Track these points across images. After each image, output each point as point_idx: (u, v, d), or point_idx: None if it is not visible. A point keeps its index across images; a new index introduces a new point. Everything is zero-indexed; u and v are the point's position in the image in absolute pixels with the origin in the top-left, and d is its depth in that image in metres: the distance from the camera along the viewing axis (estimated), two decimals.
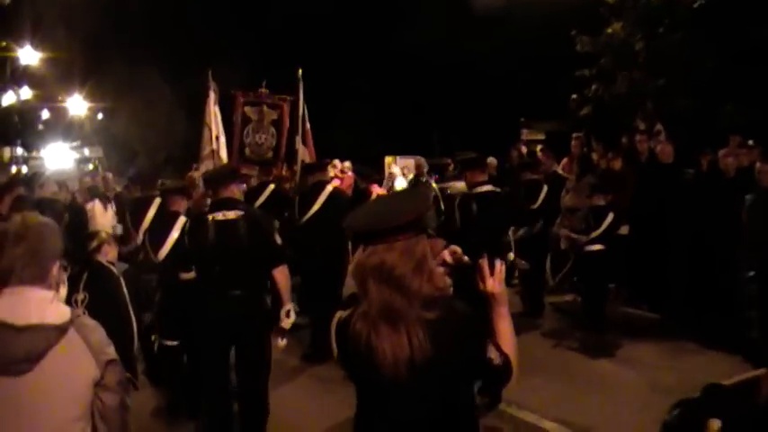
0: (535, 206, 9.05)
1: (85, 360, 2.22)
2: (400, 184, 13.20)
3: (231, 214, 5.08)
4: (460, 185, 7.78)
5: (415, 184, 8.55)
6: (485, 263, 2.53)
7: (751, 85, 11.54)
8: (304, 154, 10.17)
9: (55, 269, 2.36)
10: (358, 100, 26.72)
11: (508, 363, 2.45)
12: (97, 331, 2.32)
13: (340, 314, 2.47)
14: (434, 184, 10.93)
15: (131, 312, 4.93)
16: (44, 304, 2.22)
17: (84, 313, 2.63)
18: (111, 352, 2.32)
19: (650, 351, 7.41)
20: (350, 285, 7.78)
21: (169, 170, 10.18)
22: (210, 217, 5.09)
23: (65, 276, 2.56)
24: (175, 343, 5.96)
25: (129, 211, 7.56)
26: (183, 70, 24.20)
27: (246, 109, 10.06)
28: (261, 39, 29.10)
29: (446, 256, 2.88)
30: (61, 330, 2.19)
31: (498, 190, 6.76)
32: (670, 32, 13.22)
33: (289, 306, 5.26)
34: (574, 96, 15.28)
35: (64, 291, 2.51)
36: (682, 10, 12.87)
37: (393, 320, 2.29)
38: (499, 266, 2.53)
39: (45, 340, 2.15)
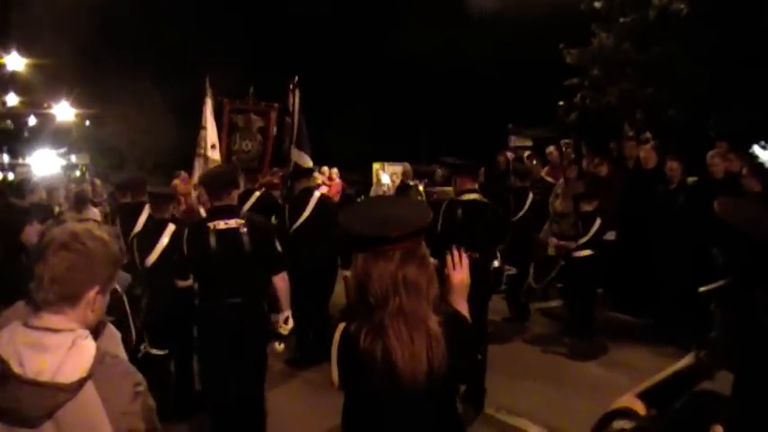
0: (521, 214, 9.10)
1: (99, 420, 2.00)
2: (385, 189, 13.24)
3: (232, 222, 4.99)
4: (448, 190, 7.72)
5: (403, 188, 8.55)
6: (456, 252, 2.62)
7: (745, 91, 11.50)
8: (299, 158, 9.62)
9: (92, 294, 2.08)
10: (347, 106, 26.74)
11: (482, 356, 2.50)
12: (121, 383, 2.08)
13: (342, 326, 2.39)
14: (421, 188, 10.96)
15: (131, 321, 4.86)
16: (61, 352, 1.96)
17: None
18: (132, 408, 2.07)
19: (639, 355, 7.43)
20: (338, 292, 7.74)
21: (158, 176, 10.08)
22: (211, 225, 4.98)
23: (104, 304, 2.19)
24: (164, 352, 5.93)
25: (120, 217, 7.51)
26: (172, 76, 24.18)
27: (233, 116, 10.01)
28: (252, 44, 29.04)
29: None
30: (74, 389, 1.96)
31: (486, 200, 6.57)
32: (660, 42, 13.17)
33: (287, 312, 5.25)
34: (561, 103, 15.27)
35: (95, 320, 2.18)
36: (672, 20, 12.80)
37: (417, 329, 2.28)
38: (465, 257, 2.62)
39: (52, 400, 1.94)
